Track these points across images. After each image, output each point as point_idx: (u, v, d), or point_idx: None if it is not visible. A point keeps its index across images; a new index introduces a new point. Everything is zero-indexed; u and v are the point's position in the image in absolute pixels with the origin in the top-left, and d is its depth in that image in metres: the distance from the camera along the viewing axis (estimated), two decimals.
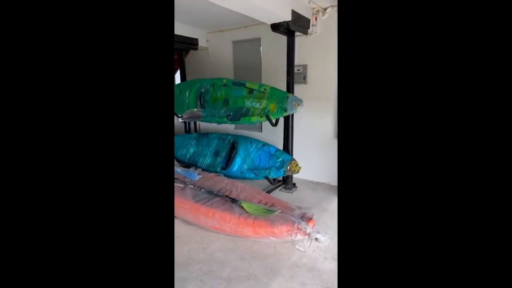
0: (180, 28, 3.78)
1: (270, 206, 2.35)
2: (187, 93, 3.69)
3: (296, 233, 2.02)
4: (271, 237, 2.08)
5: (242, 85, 3.24)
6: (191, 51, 4.52)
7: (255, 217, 2.15)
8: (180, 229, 2.41)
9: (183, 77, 4.31)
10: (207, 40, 4.32)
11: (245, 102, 3.14)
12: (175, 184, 2.84)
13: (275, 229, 2.04)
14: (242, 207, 2.32)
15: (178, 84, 3.98)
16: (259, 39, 3.79)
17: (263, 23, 2.94)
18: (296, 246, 2.09)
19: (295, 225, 2.03)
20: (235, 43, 4.08)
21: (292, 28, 2.89)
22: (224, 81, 3.40)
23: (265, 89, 3.04)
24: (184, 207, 2.47)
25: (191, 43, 4.02)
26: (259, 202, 2.45)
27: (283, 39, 3.10)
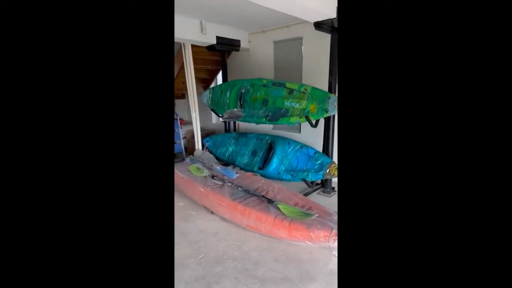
0: (223, 30, 3.90)
1: (307, 210, 2.29)
2: (228, 94, 3.79)
3: (334, 240, 1.93)
4: (307, 241, 2.02)
5: (282, 85, 3.22)
6: (233, 52, 4.63)
7: (291, 220, 2.12)
8: (217, 226, 2.48)
9: (224, 78, 4.44)
10: (248, 41, 4.38)
11: (284, 103, 3.11)
12: (214, 181, 2.94)
13: (311, 234, 1.98)
14: (278, 208, 2.29)
15: (220, 85, 4.11)
16: (300, 38, 3.72)
17: (306, 21, 2.88)
18: (333, 253, 2.00)
19: (333, 231, 1.94)
20: (276, 43, 4.07)
21: (336, 25, 2.77)
22: (264, 81, 3.41)
23: (305, 89, 2.97)
24: (222, 204, 2.54)
25: (234, 45, 4.12)
26: (296, 204, 2.40)
27: (327, 37, 3.00)
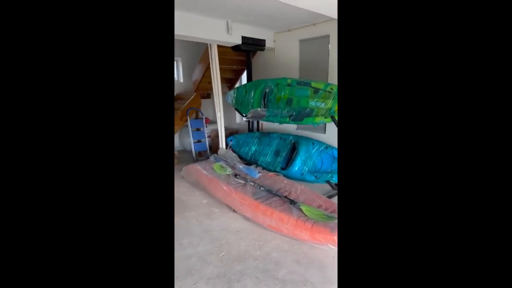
0: (248, 30, 3.92)
1: (330, 212, 2.23)
2: (252, 93, 3.80)
3: None
4: (330, 245, 1.97)
5: (307, 84, 3.16)
6: (258, 52, 4.63)
7: (314, 222, 2.07)
8: (239, 224, 2.50)
9: (249, 78, 4.46)
10: (274, 41, 4.36)
11: (309, 102, 3.05)
12: (237, 180, 2.97)
13: (335, 237, 1.92)
14: (301, 209, 2.26)
15: (244, 85, 4.14)
16: (327, 36, 3.63)
17: (333, 19, 2.80)
18: None
19: None
20: (302, 41, 4.01)
21: None
22: (289, 80, 3.37)
23: (331, 89, 2.90)
24: (244, 203, 2.55)
25: (259, 44, 4.13)
26: (319, 206, 2.35)
27: None
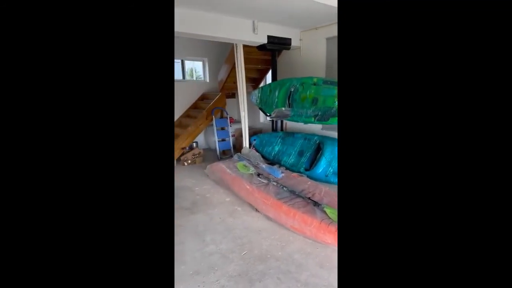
0: (274, 29, 3.90)
1: None
2: (276, 93, 3.78)
3: None
4: None
5: (334, 83, 3.07)
6: (284, 51, 4.60)
7: None
8: (261, 224, 2.50)
9: (274, 77, 4.44)
10: (300, 39, 4.30)
11: (335, 102, 2.97)
12: (259, 179, 2.97)
13: None
14: (324, 212, 2.20)
15: (269, 84, 4.13)
16: None
17: None
18: None
19: None
20: (329, 39, 3.91)
21: None
22: (315, 79, 3.30)
23: None
24: (266, 203, 2.55)
25: (284, 43, 4.09)
26: None
27: None
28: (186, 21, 3.15)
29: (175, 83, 5.35)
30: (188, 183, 3.60)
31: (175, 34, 3.39)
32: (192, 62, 5.80)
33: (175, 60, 5.44)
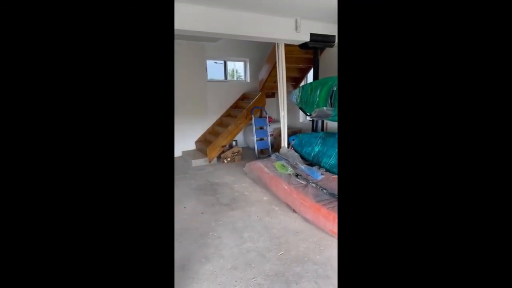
0: (317, 27, 3.79)
1: None
2: (318, 92, 3.67)
3: None
4: None
5: None
6: (326, 49, 4.45)
7: None
8: (299, 225, 2.46)
9: (315, 76, 4.32)
10: None
11: None
12: (298, 180, 2.93)
13: None
14: None
15: (310, 83, 4.03)
16: None
17: None
18: None
19: None
20: None
21: None
22: None
23: None
24: (304, 204, 2.50)
25: (328, 41, 3.95)
26: None
27: None
28: (228, 22, 3.24)
29: (217, 84, 5.55)
30: (227, 180, 3.71)
31: (217, 36, 3.51)
32: (233, 63, 5.96)
33: (218, 61, 5.65)
